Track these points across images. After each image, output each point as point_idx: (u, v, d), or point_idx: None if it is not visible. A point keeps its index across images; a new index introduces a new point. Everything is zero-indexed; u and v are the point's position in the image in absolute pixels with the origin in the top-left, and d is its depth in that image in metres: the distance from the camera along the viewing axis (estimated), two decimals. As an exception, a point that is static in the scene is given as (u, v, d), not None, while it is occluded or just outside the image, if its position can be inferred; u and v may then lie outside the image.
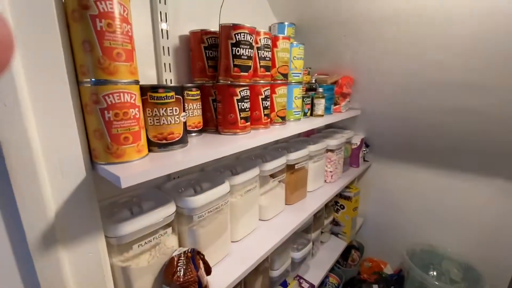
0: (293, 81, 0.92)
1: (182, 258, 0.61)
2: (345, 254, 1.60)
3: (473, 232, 1.33)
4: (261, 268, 0.99)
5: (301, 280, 1.13)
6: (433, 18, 0.98)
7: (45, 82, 0.41)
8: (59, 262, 0.45)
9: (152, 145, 0.55)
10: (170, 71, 0.73)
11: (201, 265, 0.62)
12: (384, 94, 1.26)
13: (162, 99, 0.53)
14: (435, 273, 1.36)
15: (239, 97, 0.70)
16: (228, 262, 0.75)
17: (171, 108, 0.54)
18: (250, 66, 0.70)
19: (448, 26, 0.97)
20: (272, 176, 0.99)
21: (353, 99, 1.36)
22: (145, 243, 0.59)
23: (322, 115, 1.05)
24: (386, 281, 1.47)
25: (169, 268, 0.60)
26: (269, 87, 0.79)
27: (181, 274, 0.58)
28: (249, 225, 0.89)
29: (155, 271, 0.61)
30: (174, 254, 0.62)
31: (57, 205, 0.44)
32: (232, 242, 0.83)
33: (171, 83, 0.74)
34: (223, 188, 0.73)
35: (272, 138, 0.75)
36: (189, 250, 0.63)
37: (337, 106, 1.22)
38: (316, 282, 1.19)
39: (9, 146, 0.39)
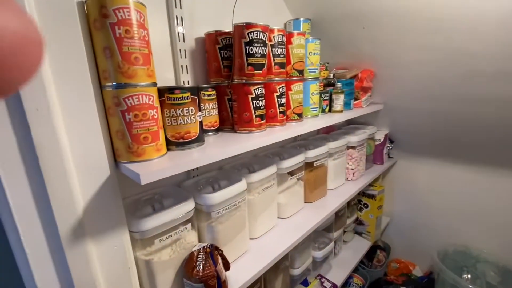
0: (309, 77, 0.90)
1: (202, 253, 0.63)
2: (370, 255, 1.55)
3: (510, 231, 1.22)
4: (281, 266, 0.99)
5: (323, 280, 1.12)
6: (460, 2, 0.91)
7: (71, 88, 0.45)
8: (87, 254, 0.48)
9: (171, 144, 0.57)
10: (187, 73, 0.76)
11: (220, 260, 0.64)
12: (407, 87, 1.19)
13: (178, 100, 0.55)
14: (469, 276, 1.27)
15: (253, 95, 0.70)
16: (247, 259, 0.76)
17: (187, 108, 0.56)
18: (264, 64, 0.70)
19: (476, 12, 0.90)
20: (291, 173, 0.98)
21: (375, 93, 1.31)
22: (166, 238, 0.61)
23: (341, 111, 1.03)
24: (415, 283, 1.40)
25: (189, 262, 0.62)
26: (284, 84, 0.79)
27: (200, 269, 0.60)
28: (268, 223, 0.90)
29: (177, 265, 0.63)
30: (193, 249, 0.64)
31: (85, 201, 0.48)
32: (250, 239, 0.84)
33: (188, 84, 0.77)
34: (240, 185, 0.74)
35: (288, 136, 0.75)
36: (208, 246, 0.65)
37: (358, 101, 1.18)
38: (338, 282, 1.17)
39: (42, 148, 0.42)
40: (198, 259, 0.62)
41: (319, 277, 1.13)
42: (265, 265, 0.73)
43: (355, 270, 1.43)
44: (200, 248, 0.64)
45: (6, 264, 0.65)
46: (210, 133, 0.71)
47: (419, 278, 1.47)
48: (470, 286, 1.08)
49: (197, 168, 0.83)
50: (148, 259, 0.59)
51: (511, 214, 1.20)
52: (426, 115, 1.25)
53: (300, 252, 1.07)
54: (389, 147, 1.46)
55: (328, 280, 1.11)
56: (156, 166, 0.49)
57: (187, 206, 0.64)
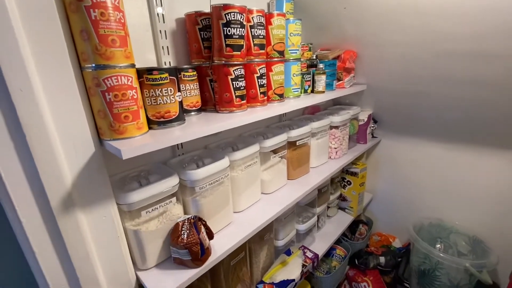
0: (290, 58, 0.93)
1: (186, 224, 0.69)
2: (353, 228, 1.65)
3: (482, 205, 1.31)
4: (265, 238, 1.07)
5: (306, 250, 1.20)
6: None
7: (52, 69, 0.47)
8: (78, 223, 0.53)
9: (152, 123, 0.60)
10: (169, 54, 0.77)
11: (203, 229, 0.70)
12: (390, 67, 1.22)
13: (157, 81, 0.58)
14: (442, 246, 1.37)
15: (233, 76, 0.73)
16: (231, 229, 0.83)
17: (166, 88, 0.59)
18: (243, 45, 0.72)
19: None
20: (274, 152, 1.03)
21: (358, 74, 1.34)
22: (153, 210, 0.67)
23: (323, 92, 1.06)
24: (392, 253, 1.51)
25: (174, 232, 0.68)
26: (264, 65, 0.82)
27: (185, 237, 0.66)
28: (252, 198, 0.96)
29: (163, 235, 0.69)
30: (178, 220, 0.70)
31: (72, 175, 0.52)
32: (235, 212, 0.90)
33: (170, 65, 0.79)
34: (223, 162, 0.79)
35: (268, 115, 0.79)
36: (192, 217, 0.71)
37: (341, 82, 1.21)
38: (320, 252, 1.26)
39: (28, 126, 0.46)
40: (183, 228, 0.68)
41: (302, 247, 1.22)
42: (248, 233, 0.80)
43: (339, 242, 1.53)
44: (185, 219, 0.70)
45: (4, 234, 0.71)
46: (192, 113, 0.75)
47: (397, 249, 1.58)
48: (441, 254, 1.18)
49: (182, 147, 0.87)
50: (136, 229, 0.65)
51: (482, 189, 1.28)
52: (408, 96, 1.29)
53: (284, 225, 1.14)
54: (372, 127, 1.51)
55: (310, 250, 1.20)
56: (137, 142, 0.53)
57: (172, 181, 0.69)
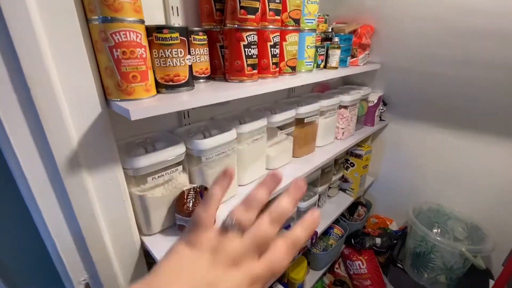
0: (306, 28, 0.87)
1: (192, 192, 0.68)
2: (352, 210, 1.67)
3: (483, 193, 1.31)
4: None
5: (305, 227, 1.22)
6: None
7: (57, 20, 0.44)
8: (84, 184, 0.53)
9: (160, 87, 0.58)
10: (178, 15, 0.73)
11: (208, 199, 0.69)
12: (407, 45, 1.16)
13: (167, 40, 0.54)
14: (439, 231, 1.40)
15: (246, 43, 0.69)
16: (235, 202, 0.82)
17: (176, 49, 0.56)
18: (258, 8, 0.68)
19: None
20: (281, 128, 1.01)
21: (373, 52, 1.28)
22: (158, 176, 0.66)
23: (336, 68, 1.01)
24: (389, 235, 1.54)
25: (180, 199, 0.68)
26: (278, 33, 0.77)
27: (190, 205, 0.66)
28: (256, 172, 0.95)
29: (169, 202, 0.69)
30: (184, 189, 0.69)
31: (78, 136, 0.51)
32: (239, 185, 0.90)
33: (179, 28, 0.74)
34: (230, 134, 0.77)
35: (279, 87, 0.75)
36: (198, 186, 0.70)
37: (355, 58, 1.16)
38: (319, 230, 1.28)
39: (32, 80, 0.43)
40: (188, 196, 0.68)
41: (302, 224, 1.24)
42: (251, 207, 0.80)
43: (337, 222, 1.56)
44: (191, 188, 0.70)
45: (11, 194, 0.70)
46: (201, 80, 0.71)
47: (394, 232, 1.61)
48: (438, 238, 1.20)
49: (188, 116, 0.85)
50: (142, 195, 0.65)
51: (484, 177, 1.28)
52: (423, 77, 1.24)
53: (286, 202, 1.15)
54: (381, 109, 1.47)
55: (309, 228, 1.22)
56: (146, 104, 0.50)
57: (178, 150, 0.68)
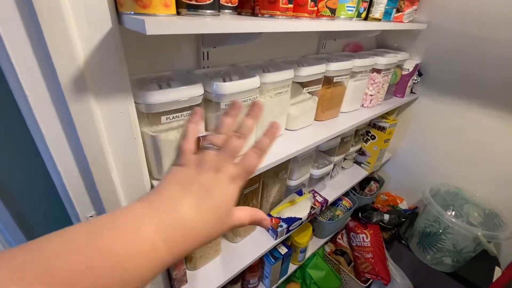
0: (354, -36, 0.73)
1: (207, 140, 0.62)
2: (364, 185, 1.62)
3: (508, 181, 1.23)
4: (280, 176, 1.03)
5: (316, 194, 1.18)
6: None
7: None
8: (91, 111, 0.46)
9: (181, 6, 0.48)
10: None
11: (225, 149, 0.64)
12: (461, 5, 1.00)
13: None
14: (453, 213, 1.35)
15: (285, -32, 0.57)
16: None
17: (204, -41, 0.45)
18: None
19: None
20: (306, 86, 0.92)
21: (421, 8, 1.11)
22: (173, 118, 0.59)
23: (380, 19, 0.88)
24: (398, 213, 1.50)
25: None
26: (323, -36, 0.64)
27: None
28: (275, 131, 0.88)
29: (181, 148, 0.64)
30: (199, 135, 0.63)
31: (85, 54, 0.43)
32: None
33: None
34: (254, 81, 0.68)
35: (317, 28, 0.65)
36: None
37: (400, 13, 1.01)
38: (330, 199, 1.24)
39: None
40: (203, 143, 0.62)
41: (313, 191, 1.20)
42: (267, 164, 0.74)
43: (346, 195, 1.52)
44: (206, 135, 0.63)
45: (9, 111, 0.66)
46: (226, 11, 0.61)
47: (403, 210, 1.57)
48: (453, 219, 1.15)
49: (208, 57, 0.76)
50: (154, 135, 0.59)
51: (518, 164, 1.18)
52: (472, 44, 1.09)
53: (300, 166, 1.10)
54: (415, 80, 1.34)
55: (320, 195, 1.18)
56: (163, 20, 0.42)
57: (196, 90, 0.60)
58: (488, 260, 1.26)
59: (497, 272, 1.22)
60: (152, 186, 0.64)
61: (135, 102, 0.54)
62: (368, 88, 1.14)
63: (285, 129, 0.93)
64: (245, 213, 0.34)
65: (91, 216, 0.58)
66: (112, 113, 0.50)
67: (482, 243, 1.10)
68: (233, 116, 0.39)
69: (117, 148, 0.54)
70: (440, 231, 1.22)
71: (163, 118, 0.58)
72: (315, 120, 1.02)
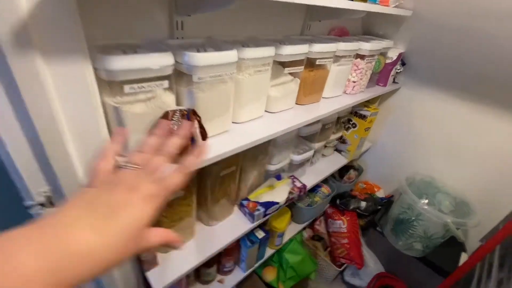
0: None
1: (177, 114, 0.58)
2: (343, 172, 1.64)
3: (480, 173, 1.28)
4: (259, 159, 1.01)
5: (295, 180, 1.18)
6: None
7: None
8: (38, 71, 0.41)
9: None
10: None
11: (196, 124, 0.60)
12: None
13: None
14: (426, 202, 1.39)
15: None
16: (226, 137, 0.74)
17: None
18: None
19: None
20: (288, 65, 0.88)
21: (407, -6, 1.10)
22: (138, 88, 0.54)
23: (366, 1, 0.85)
24: (374, 200, 1.54)
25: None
26: None
27: (175, 128, 0.56)
28: (254, 112, 0.85)
29: (150, 123, 0.59)
30: (169, 109, 0.59)
31: (29, 3, 0.37)
32: (233, 122, 0.81)
33: None
34: (231, 55, 0.64)
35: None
36: (185, 109, 0.60)
37: (386, -3, 0.99)
38: (308, 185, 1.24)
39: None
40: (173, 119, 0.57)
41: (292, 177, 1.19)
42: (243, 145, 0.72)
43: (325, 182, 1.53)
44: (177, 110, 0.59)
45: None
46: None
47: (380, 199, 1.61)
48: (425, 207, 1.18)
49: (182, 28, 0.71)
50: (117, 106, 0.54)
51: (489, 158, 1.23)
52: (461, 35, 1.10)
53: (280, 151, 1.08)
54: (398, 69, 1.34)
55: (299, 181, 1.18)
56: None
57: (165, 60, 0.55)
58: (456, 246, 1.32)
59: (464, 257, 1.29)
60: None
61: (94, 68, 0.49)
62: (351, 74, 1.12)
63: (265, 111, 0.90)
64: (156, 234, 0.32)
65: (45, 192, 0.53)
66: (65, 77, 0.45)
67: (451, 230, 1.15)
68: (158, 135, 0.40)
69: (73, 117, 0.49)
70: (413, 218, 1.26)
71: (127, 88, 0.53)
72: (296, 103, 1.00)
